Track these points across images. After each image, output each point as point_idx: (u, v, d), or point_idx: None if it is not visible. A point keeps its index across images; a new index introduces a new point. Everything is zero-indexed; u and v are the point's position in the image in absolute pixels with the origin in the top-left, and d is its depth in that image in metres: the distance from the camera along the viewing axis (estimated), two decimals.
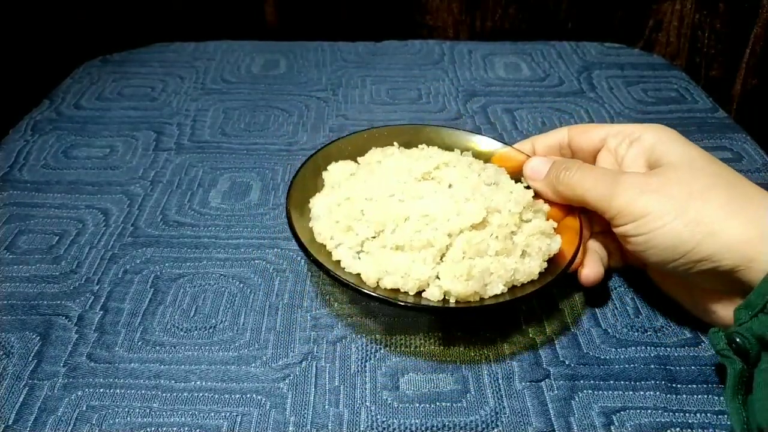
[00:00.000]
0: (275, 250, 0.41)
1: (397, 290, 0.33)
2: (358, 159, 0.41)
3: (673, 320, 0.36)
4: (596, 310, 0.37)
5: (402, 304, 0.32)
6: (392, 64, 0.65)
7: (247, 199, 0.46)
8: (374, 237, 0.34)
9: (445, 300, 0.32)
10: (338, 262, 0.34)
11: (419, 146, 0.42)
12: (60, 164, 0.50)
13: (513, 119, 0.56)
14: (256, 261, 0.41)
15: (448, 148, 0.42)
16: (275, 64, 0.65)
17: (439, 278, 0.33)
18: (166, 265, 0.40)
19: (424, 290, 0.33)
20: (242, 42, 0.69)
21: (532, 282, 0.34)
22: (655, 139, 0.35)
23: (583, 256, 0.36)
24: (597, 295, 0.38)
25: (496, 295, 0.33)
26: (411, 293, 0.33)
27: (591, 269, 0.36)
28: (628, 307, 0.37)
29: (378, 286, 0.33)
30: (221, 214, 0.45)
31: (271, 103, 0.58)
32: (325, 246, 0.35)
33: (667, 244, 0.31)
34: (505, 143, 0.42)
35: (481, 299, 0.32)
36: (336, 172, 0.40)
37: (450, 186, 0.36)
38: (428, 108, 0.58)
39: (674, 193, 0.31)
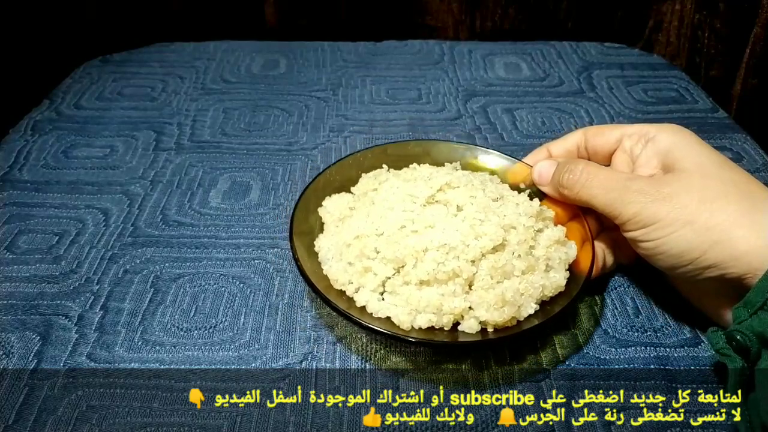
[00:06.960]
0: (275, 250, 0.41)
1: (431, 328, 0.32)
2: (352, 189, 0.39)
3: (673, 320, 0.36)
4: (596, 310, 0.37)
5: (450, 344, 0.31)
6: (392, 64, 0.65)
7: (247, 199, 0.46)
8: (394, 274, 0.33)
9: (483, 330, 0.32)
10: (363, 308, 0.33)
11: (410, 165, 0.40)
12: (60, 164, 0.50)
13: (513, 119, 0.56)
14: (256, 261, 0.41)
15: (440, 163, 0.40)
16: (275, 64, 0.65)
17: (472, 309, 0.32)
18: (166, 265, 0.40)
19: (458, 323, 0.32)
20: (242, 42, 0.69)
21: (559, 294, 0.33)
22: (671, 142, 0.35)
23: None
24: (597, 295, 0.38)
25: (530, 316, 0.32)
26: (446, 329, 0.32)
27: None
28: (628, 307, 0.37)
29: (412, 327, 0.32)
30: (221, 214, 0.45)
31: (271, 103, 0.58)
32: (344, 292, 0.34)
33: (676, 251, 0.31)
34: (511, 157, 0.41)
35: (518, 322, 0.32)
36: (333, 208, 0.38)
37: (459, 208, 0.34)
38: (428, 108, 0.58)
39: (685, 201, 0.31)
